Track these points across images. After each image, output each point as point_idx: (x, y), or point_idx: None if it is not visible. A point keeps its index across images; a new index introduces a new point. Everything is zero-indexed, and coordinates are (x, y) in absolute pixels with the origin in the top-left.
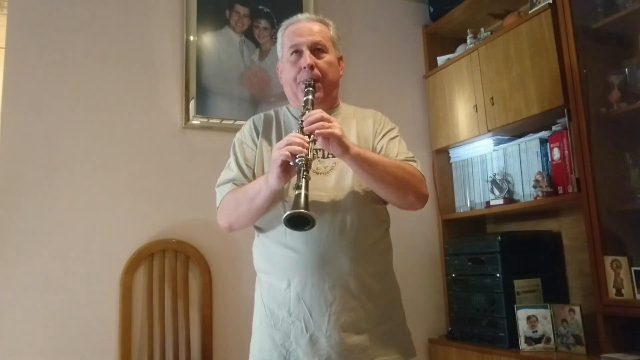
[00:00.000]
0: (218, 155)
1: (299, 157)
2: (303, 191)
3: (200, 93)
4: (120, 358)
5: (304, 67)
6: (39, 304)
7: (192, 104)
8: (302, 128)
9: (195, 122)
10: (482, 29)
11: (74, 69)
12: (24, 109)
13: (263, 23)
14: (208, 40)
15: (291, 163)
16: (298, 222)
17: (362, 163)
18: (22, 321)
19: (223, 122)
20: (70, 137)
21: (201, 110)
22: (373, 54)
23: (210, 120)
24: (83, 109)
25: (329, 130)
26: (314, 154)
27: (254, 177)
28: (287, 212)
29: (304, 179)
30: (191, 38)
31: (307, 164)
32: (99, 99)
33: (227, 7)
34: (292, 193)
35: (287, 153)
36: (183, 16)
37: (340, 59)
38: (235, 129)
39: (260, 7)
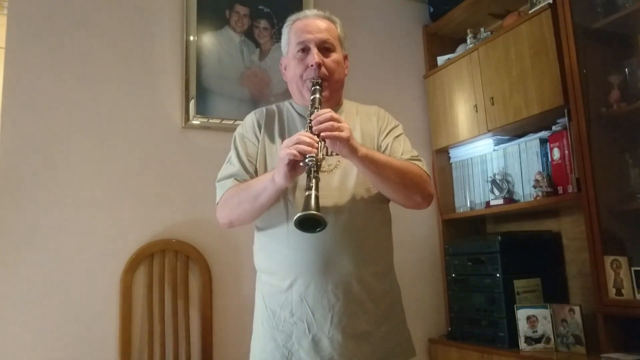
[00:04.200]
0: (218, 155)
1: (309, 157)
2: (314, 192)
3: (200, 93)
4: (120, 358)
5: (311, 65)
6: (38, 304)
7: (192, 104)
8: (310, 127)
9: (195, 122)
10: (482, 29)
11: (74, 69)
12: (24, 109)
13: (263, 23)
14: (208, 40)
15: (301, 164)
16: (309, 223)
17: (370, 165)
18: (22, 321)
19: (223, 122)
20: (70, 137)
21: (201, 110)
22: (373, 54)
23: (210, 120)
24: (83, 109)
25: (336, 133)
26: (323, 155)
27: (256, 172)
28: (299, 214)
29: (314, 180)
30: (191, 38)
31: (318, 165)
32: (98, 98)
33: (227, 7)
34: (296, 192)
35: (296, 152)
36: (183, 16)
37: (345, 57)
38: (235, 129)
39: (260, 7)
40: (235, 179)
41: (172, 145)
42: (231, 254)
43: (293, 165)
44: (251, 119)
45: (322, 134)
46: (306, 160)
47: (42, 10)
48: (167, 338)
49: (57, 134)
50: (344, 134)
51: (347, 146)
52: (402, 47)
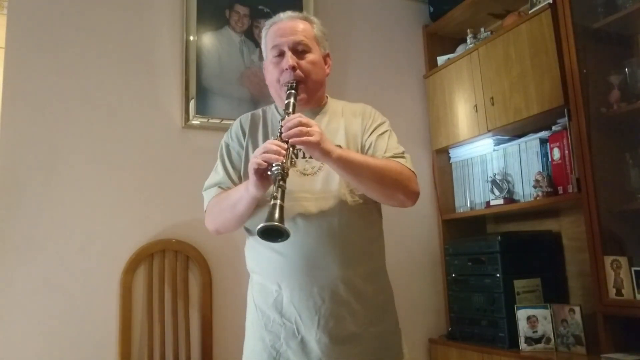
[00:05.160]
0: (218, 156)
1: (276, 165)
2: (278, 202)
3: (200, 93)
4: (120, 358)
5: (286, 69)
6: (39, 304)
7: (192, 104)
8: (281, 134)
9: (195, 122)
10: (482, 29)
11: (74, 69)
12: (24, 109)
13: (263, 23)
14: (208, 40)
15: (268, 172)
16: (272, 234)
17: (345, 166)
18: (22, 321)
19: (223, 122)
20: (70, 137)
21: (201, 110)
22: (373, 54)
23: (210, 120)
24: (83, 109)
25: (305, 138)
26: (293, 161)
27: (240, 179)
28: (260, 225)
29: (279, 189)
30: (191, 38)
31: (284, 173)
32: (99, 99)
33: (227, 7)
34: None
35: (261, 161)
36: (183, 16)
37: (326, 56)
38: None
39: (260, 7)
40: (220, 187)
41: (172, 145)
42: (231, 254)
43: (262, 175)
44: (236, 125)
45: (290, 140)
46: (272, 169)
47: (42, 10)
48: (167, 338)
49: (57, 134)
50: (313, 138)
51: (318, 149)
52: (402, 47)
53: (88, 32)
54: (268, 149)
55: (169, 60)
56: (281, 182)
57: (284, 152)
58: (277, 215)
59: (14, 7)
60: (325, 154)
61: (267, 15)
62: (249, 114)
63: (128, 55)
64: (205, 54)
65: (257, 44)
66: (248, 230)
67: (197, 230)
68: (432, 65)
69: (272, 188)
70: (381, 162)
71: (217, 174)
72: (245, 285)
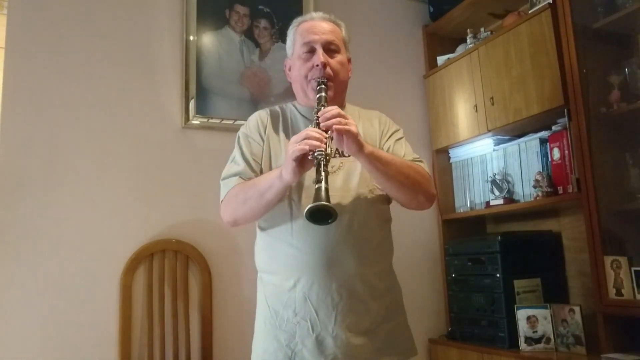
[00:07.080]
0: (218, 155)
1: (318, 151)
2: (324, 184)
3: (200, 93)
4: (120, 358)
5: (317, 65)
6: (38, 304)
7: (192, 104)
8: (318, 124)
9: (195, 122)
10: (482, 29)
11: (74, 69)
12: (24, 109)
13: (263, 23)
14: (208, 40)
15: (309, 157)
16: (319, 215)
17: (376, 162)
18: (22, 321)
19: (223, 122)
20: (70, 137)
21: (201, 110)
22: (373, 54)
23: (210, 120)
24: (83, 109)
25: (347, 127)
26: (331, 149)
27: (261, 171)
28: (310, 205)
29: (324, 173)
30: (191, 38)
31: (327, 159)
32: (99, 99)
33: (227, 7)
34: (301, 192)
35: (306, 147)
36: (183, 16)
37: (349, 60)
38: (235, 129)
39: (260, 7)
40: (241, 177)
41: (172, 145)
42: (231, 254)
43: (301, 161)
44: (255, 119)
45: (332, 128)
46: (315, 154)
47: (42, 10)
48: (167, 338)
49: (57, 134)
50: (352, 128)
51: (355, 141)
52: (402, 47)
53: (88, 32)
54: (310, 136)
55: (169, 60)
56: (325, 168)
57: (325, 139)
58: (324, 196)
59: (14, 7)
60: (360, 147)
61: (267, 15)
62: (267, 109)
63: (128, 55)
64: (205, 54)
65: (257, 44)
66: (261, 227)
67: (197, 230)
68: (432, 65)
69: (304, 180)
70: (406, 162)
71: (237, 164)
72: (245, 285)
